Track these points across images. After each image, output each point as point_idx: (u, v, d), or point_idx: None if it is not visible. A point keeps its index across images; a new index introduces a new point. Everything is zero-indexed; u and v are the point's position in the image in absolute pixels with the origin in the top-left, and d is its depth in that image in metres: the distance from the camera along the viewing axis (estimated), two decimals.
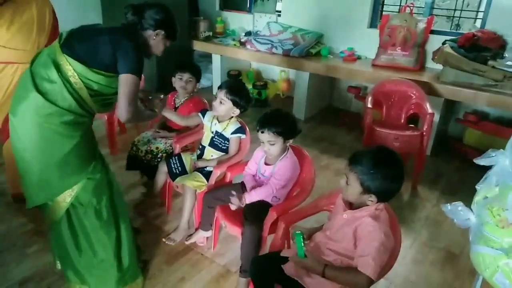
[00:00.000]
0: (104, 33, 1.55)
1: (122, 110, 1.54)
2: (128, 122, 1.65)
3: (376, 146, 1.41)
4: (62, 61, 1.48)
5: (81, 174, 1.56)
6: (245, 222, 1.81)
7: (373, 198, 1.33)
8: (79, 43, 1.52)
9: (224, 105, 2.05)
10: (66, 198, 1.57)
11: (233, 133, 2.11)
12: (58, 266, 1.84)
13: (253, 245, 1.77)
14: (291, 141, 1.84)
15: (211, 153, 2.19)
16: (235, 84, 2.17)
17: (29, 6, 2.13)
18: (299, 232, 1.41)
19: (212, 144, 2.18)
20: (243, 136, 2.15)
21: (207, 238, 2.17)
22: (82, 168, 1.57)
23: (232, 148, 2.15)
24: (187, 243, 2.16)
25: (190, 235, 2.17)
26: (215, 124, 2.15)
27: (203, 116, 2.21)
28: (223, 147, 2.17)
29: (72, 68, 1.48)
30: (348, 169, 1.35)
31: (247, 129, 2.25)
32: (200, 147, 2.25)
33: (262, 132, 1.77)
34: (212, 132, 2.16)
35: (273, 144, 1.77)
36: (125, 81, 1.52)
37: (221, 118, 2.14)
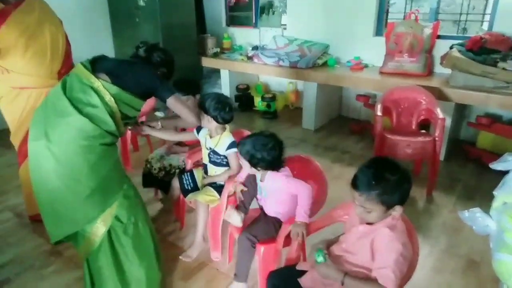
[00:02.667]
0: (139, 65, 1.79)
1: (192, 120, 1.90)
2: (200, 123, 2.00)
3: (369, 162, 1.34)
4: (99, 86, 1.58)
5: (119, 193, 1.64)
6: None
7: (397, 208, 1.30)
8: (114, 70, 1.66)
9: (204, 118, 2.02)
10: (104, 223, 1.60)
11: (227, 149, 2.05)
12: None
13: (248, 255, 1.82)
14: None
15: (213, 170, 2.17)
16: (204, 96, 2.05)
17: (42, 32, 2.18)
18: (321, 249, 1.41)
19: (210, 161, 2.15)
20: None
21: (222, 253, 2.17)
22: (120, 187, 1.65)
23: (233, 164, 2.08)
24: None
25: None
26: (208, 140, 2.12)
27: (198, 132, 2.17)
28: (222, 162, 2.12)
29: (108, 92, 1.59)
30: (363, 198, 1.28)
31: None
32: (203, 166, 2.24)
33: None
34: (208, 149, 2.13)
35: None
36: (175, 102, 1.81)
37: (212, 134, 2.09)
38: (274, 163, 1.76)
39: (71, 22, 2.50)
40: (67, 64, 2.36)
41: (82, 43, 2.92)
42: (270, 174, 1.79)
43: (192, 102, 2.39)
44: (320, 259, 1.36)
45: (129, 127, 2.02)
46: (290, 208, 1.80)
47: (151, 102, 3.30)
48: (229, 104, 2.03)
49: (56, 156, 1.52)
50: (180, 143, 2.59)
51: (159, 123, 2.07)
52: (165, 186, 2.43)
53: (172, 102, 1.80)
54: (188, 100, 2.34)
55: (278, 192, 1.80)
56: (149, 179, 2.50)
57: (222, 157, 2.11)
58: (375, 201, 1.27)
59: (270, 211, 1.88)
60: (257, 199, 1.98)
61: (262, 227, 1.84)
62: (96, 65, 1.67)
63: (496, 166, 1.34)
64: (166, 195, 2.48)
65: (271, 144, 1.74)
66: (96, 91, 1.57)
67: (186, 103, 1.90)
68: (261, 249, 1.77)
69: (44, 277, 2.06)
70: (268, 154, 1.72)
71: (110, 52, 4.60)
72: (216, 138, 2.08)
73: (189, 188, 2.22)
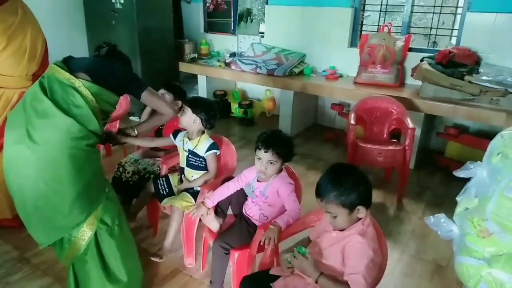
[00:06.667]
0: (112, 62, 1.78)
1: (168, 110, 1.86)
2: (176, 113, 1.97)
3: (328, 169, 1.45)
4: (80, 86, 1.56)
5: (103, 194, 1.64)
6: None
7: (361, 208, 1.35)
8: (92, 68, 1.65)
9: (185, 113, 2.05)
10: (90, 227, 1.58)
11: (207, 151, 2.07)
12: None
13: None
14: (286, 163, 1.84)
15: (191, 174, 2.16)
16: (197, 98, 2.18)
17: (23, 34, 2.18)
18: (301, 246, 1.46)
19: (188, 164, 2.15)
20: (218, 152, 2.11)
21: (196, 259, 2.15)
22: (103, 188, 1.65)
23: (211, 166, 2.11)
24: None
25: None
26: (186, 142, 2.12)
27: (175, 137, 2.18)
28: (200, 165, 2.13)
29: (89, 91, 1.57)
30: (324, 204, 1.36)
31: (233, 147, 2.27)
32: (180, 169, 2.22)
33: (266, 152, 1.73)
34: (186, 151, 2.13)
35: (272, 164, 1.75)
36: (149, 95, 1.80)
37: (191, 136, 2.11)
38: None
39: (45, 22, 2.44)
40: (44, 68, 2.32)
41: (55, 44, 2.85)
42: (278, 176, 1.81)
43: (169, 100, 2.40)
44: (303, 250, 1.40)
45: (106, 137, 1.95)
46: (276, 214, 1.82)
47: (125, 105, 3.26)
48: (217, 112, 2.14)
49: (40, 159, 1.49)
50: (155, 148, 2.55)
51: (135, 130, 2.03)
52: (134, 193, 2.35)
53: (147, 96, 1.78)
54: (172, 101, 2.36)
55: (275, 196, 1.81)
56: (118, 186, 2.38)
57: (201, 159, 2.11)
58: (334, 203, 1.34)
59: (256, 213, 1.87)
60: (230, 205, 1.98)
61: (236, 234, 1.85)
62: (71, 64, 1.64)
63: (459, 173, 1.40)
64: (126, 204, 2.33)
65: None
66: (77, 91, 1.55)
67: (160, 95, 1.92)
68: (235, 255, 1.77)
69: (10, 284, 1.99)
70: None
71: (84, 55, 4.51)
72: (195, 140, 2.10)
73: (164, 193, 2.20)
